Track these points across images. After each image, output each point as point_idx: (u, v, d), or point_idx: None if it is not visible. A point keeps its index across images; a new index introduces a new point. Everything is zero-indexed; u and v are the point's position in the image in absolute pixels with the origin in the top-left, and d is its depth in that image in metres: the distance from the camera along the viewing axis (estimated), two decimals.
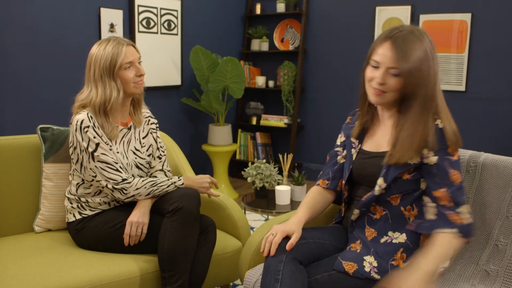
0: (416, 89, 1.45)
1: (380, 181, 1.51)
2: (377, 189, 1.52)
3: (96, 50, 1.88)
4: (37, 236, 2.01)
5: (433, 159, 1.45)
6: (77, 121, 1.82)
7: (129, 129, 1.99)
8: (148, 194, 1.86)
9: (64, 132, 2.08)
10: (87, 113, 1.83)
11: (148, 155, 2.05)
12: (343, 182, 1.69)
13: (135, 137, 2.01)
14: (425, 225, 1.50)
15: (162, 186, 1.87)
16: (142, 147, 2.03)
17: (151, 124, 2.09)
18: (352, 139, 1.68)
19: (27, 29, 3.16)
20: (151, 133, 2.07)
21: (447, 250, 1.42)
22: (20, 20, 3.12)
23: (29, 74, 3.20)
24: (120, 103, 1.90)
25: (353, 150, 1.66)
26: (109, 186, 1.82)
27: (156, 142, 2.08)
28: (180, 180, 1.91)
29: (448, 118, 1.47)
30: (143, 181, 1.86)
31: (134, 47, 1.93)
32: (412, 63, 1.42)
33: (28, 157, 2.07)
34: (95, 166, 1.82)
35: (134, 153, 1.99)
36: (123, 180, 1.83)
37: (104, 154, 1.82)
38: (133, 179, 1.86)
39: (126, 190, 1.83)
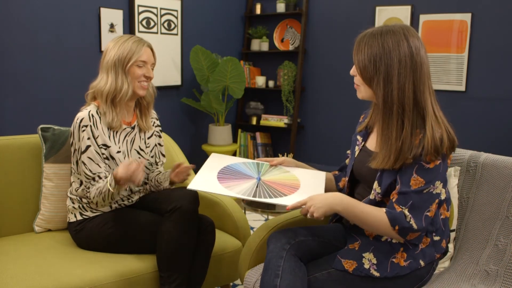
0: (371, 85, 1.47)
1: (375, 185, 1.52)
2: (372, 193, 1.53)
3: (116, 41, 1.90)
4: (37, 236, 2.01)
5: (409, 160, 1.43)
6: (77, 119, 1.83)
7: (133, 128, 1.98)
8: (104, 200, 1.82)
9: (65, 133, 2.08)
10: (89, 111, 1.84)
11: (152, 156, 2.05)
12: (346, 179, 1.70)
13: (139, 137, 2.00)
14: None
15: (104, 190, 1.79)
16: (146, 147, 2.02)
17: (156, 126, 2.09)
18: (357, 137, 1.69)
19: (27, 29, 3.16)
20: (155, 135, 2.08)
21: (373, 216, 1.45)
22: (20, 20, 3.12)
23: (29, 74, 3.20)
24: (128, 98, 1.90)
25: (356, 148, 1.67)
26: (85, 192, 1.87)
27: (158, 146, 2.08)
28: (112, 178, 1.77)
29: (434, 126, 1.42)
30: (95, 190, 1.82)
31: (153, 51, 1.95)
32: (360, 56, 1.47)
33: (29, 157, 2.07)
34: (81, 162, 1.83)
35: (138, 152, 1.99)
36: (87, 188, 1.85)
37: (90, 159, 1.81)
38: (93, 187, 1.83)
39: (89, 198, 1.86)
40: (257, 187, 1.61)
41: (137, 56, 1.87)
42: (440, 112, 1.49)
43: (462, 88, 3.88)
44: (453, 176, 1.75)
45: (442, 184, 1.46)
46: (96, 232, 1.85)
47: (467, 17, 3.79)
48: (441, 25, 3.90)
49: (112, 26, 3.64)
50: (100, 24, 3.56)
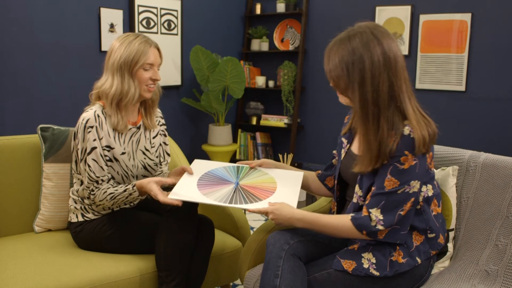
0: (345, 92, 1.46)
1: (357, 189, 1.53)
2: (355, 197, 1.54)
3: (122, 40, 1.83)
4: (37, 236, 2.01)
5: (386, 161, 1.43)
6: (83, 119, 1.79)
7: (138, 128, 1.97)
8: (113, 204, 1.84)
9: (64, 132, 2.08)
10: (95, 111, 1.81)
11: (157, 157, 2.03)
12: (335, 182, 1.71)
13: (145, 136, 1.98)
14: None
15: (121, 198, 1.81)
16: (151, 147, 2.01)
17: (161, 125, 2.08)
18: (343, 139, 1.69)
19: (27, 29, 3.16)
20: (160, 134, 2.07)
21: (336, 227, 1.48)
22: (20, 20, 3.12)
23: (29, 74, 3.20)
24: (135, 101, 1.87)
25: (342, 150, 1.68)
26: (81, 189, 1.85)
27: (163, 145, 2.08)
28: (134, 188, 1.79)
29: (416, 125, 1.41)
30: (103, 193, 1.81)
31: (160, 51, 1.90)
32: (331, 67, 1.45)
33: (28, 157, 2.07)
34: (83, 169, 1.82)
35: (144, 153, 1.97)
36: (91, 191, 1.82)
37: (94, 161, 1.80)
38: (98, 189, 1.81)
39: (93, 200, 1.84)
40: (234, 192, 1.69)
41: (144, 59, 1.81)
42: (416, 103, 1.48)
43: (462, 88, 3.88)
44: (452, 176, 1.75)
45: (419, 183, 1.45)
46: (96, 233, 1.85)
47: (467, 17, 3.79)
48: (441, 25, 3.90)
49: (112, 26, 3.64)
50: (100, 24, 3.56)
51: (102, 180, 1.82)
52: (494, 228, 1.65)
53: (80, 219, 1.89)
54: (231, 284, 2.25)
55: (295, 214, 1.51)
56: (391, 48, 1.42)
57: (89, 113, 1.80)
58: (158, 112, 2.08)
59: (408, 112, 1.42)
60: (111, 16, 3.62)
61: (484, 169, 1.72)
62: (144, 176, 1.99)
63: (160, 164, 2.07)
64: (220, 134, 4.34)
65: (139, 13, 3.84)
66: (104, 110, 1.84)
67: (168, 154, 2.11)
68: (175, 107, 4.35)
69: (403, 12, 4.06)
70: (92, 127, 1.79)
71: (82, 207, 1.90)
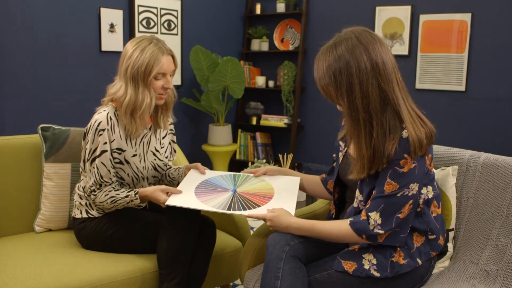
0: (337, 100, 1.47)
1: (357, 194, 1.53)
2: (355, 202, 1.54)
3: (135, 46, 1.79)
4: (37, 236, 2.01)
5: (384, 165, 1.43)
6: (95, 122, 1.78)
7: (149, 129, 1.96)
8: (113, 207, 1.84)
9: (65, 132, 2.08)
10: (107, 113, 1.79)
11: (166, 157, 2.03)
12: (333, 184, 1.71)
13: (155, 137, 1.98)
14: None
15: (121, 203, 1.81)
16: (161, 147, 2.01)
17: (170, 124, 2.08)
18: (340, 142, 1.69)
19: (27, 29, 3.16)
20: (168, 134, 2.07)
21: (335, 233, 1.49)
22: (20, 20, 3.12)
23: (29, 74, 3.20)
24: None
25: (340, 154, 1.68)
26: (87, 188, 1.84)
27: (171, 143, 2.09)
28: (136, 195, 1.80)
29: (411, 127, 1.40)
30: (105, 195, 1.81)
31: (174, 57, 1.86)
32: (320, 76, 1.47)
33: (29, 156, 2.07)
34: (89, 169, 1.82)
35: (154, 154, 1.97)
36: (92, 191, 1.82)
37: (102, 164, 1.79)
38: (100, 191, 1.81)
39: (93, 201, 1.85)
40: (232, 199, 1.71)
41: (157, 69, 1.77)
42: (412, 104, 1.47)
43: (462, 88, 3.88)
44: (451, 176, 1.75)
45: (418, 185, 1.45)
46: (98, 232, 1.85)
47: (467, 17, 3.79)
48: (441, 25, 3.90)
49: (112, 26, 3.64)
50: (100, 24, 3.56)
51: (106, 183, 1.82)
52: (494, 228, 1.65)
53: (84, 215, 1.89)
54: (231, 284, 2.25)
55: (292, 224, 1.52)
56: (378, 53, 1.40)
57: (102, 115, 1.78)
58: (171, 116, 2.07)
59: (403, 114, 1.41)
60: (111, 16, 3.62)
61: (484, 169, 1.72)
62: (154, 177, 1.99)
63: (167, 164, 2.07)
64: (220, 134, 4.34)
65: (139, 13, 3.84)
66: (117, 112, 1.82)
67: (175, 151, 2.12)
68: (175, 107, 4.33)
69: (403, 12, 4.06)
70: (103, 130, 1.77)
71: (87, 203, 1.90)
